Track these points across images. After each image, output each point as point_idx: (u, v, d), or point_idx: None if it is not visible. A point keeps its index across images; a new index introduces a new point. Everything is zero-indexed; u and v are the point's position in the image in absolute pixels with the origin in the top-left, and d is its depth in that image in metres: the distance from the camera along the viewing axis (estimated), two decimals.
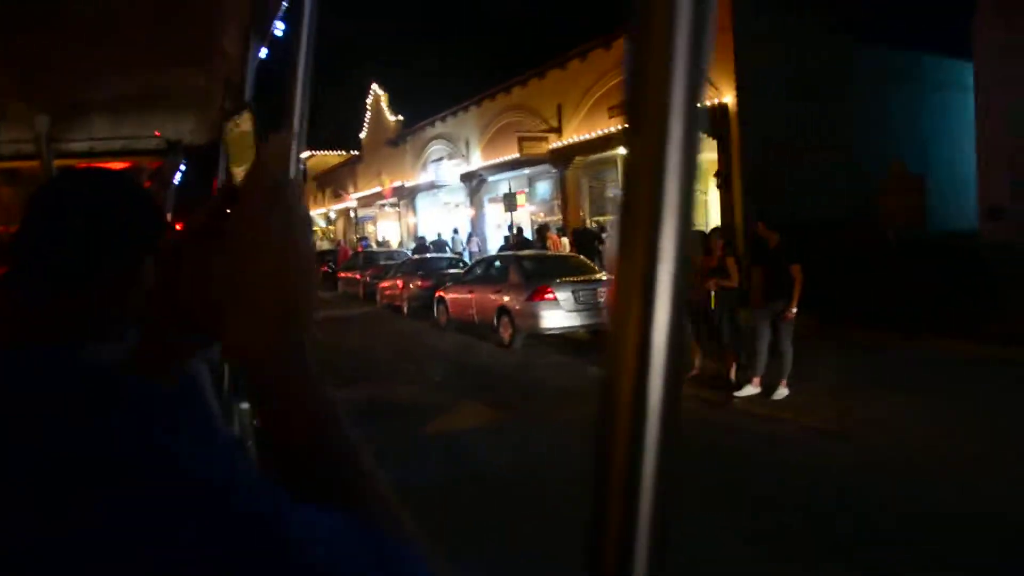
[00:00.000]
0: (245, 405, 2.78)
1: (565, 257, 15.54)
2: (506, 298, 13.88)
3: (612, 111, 22.04)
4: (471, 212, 31.18)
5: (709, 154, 19.09)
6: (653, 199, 0.54)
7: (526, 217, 30.61)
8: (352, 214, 46.75)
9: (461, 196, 34.20)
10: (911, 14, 20.29)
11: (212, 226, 0.71)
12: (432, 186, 33.12)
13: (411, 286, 19.42)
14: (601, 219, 24.89)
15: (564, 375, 11.64)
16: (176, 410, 0.63)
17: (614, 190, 24.31)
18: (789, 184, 17.61)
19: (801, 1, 18.69)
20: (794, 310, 9.05)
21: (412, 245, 33.27)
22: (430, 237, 32.01)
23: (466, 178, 30.66)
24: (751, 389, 9.42)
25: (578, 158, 23.92)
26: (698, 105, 0.54)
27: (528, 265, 14.42)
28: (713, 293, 9.82)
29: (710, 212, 21.74)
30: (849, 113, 19.18)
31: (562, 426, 8.60)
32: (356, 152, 48.07)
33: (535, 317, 13.12)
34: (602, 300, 13.46)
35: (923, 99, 21.55)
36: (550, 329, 13.19)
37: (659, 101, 0.54)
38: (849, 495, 6.30)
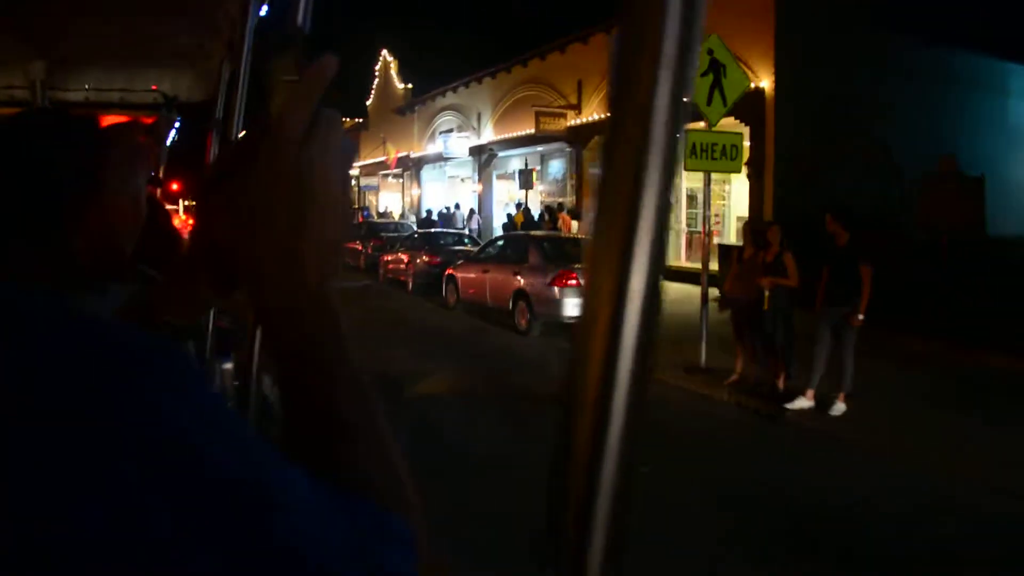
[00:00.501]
0: (228, 365, 2.70)
1: (581, 240, 14.55)
2: (524, 281, 12.89)
3: None
4: (478, 188, 30.13)
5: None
6: (631, 196, 0.54)
7: (536, 197, 29.62)
8: (354, 183, 45.58)
9: (468, 170, 33.15)
10: (953, 12, 19.29)
11: (244, 159, 0.63)
12: (439, 158, 32.02)
13: (418, 261, 18.40)
14: None
15: None
16: (166, 366, 0.53)
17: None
18: (823, 177, 16.62)
19: None
20: (861, 316, 8.08)
21: (413, 218, 32.20)
22: (436, 210, 30.98)
23: (475, 152, 29.59)
24: (804, 402, 8.48)
25: (597, 137, 22.84)
26: (684, 100, 0.54)
27: (549, 247, 13.43)
28: (767, 293, 8.84)
29: (732, 201, 20.81)
30: (887, 108, 18.15)
31: None
32: (360, 120, 46.86)
33: (556, 303, 12.16)
34: None
35: (959, 99, 20.51)
36: (573, 317, 12.21)
37: (643, 100, 0.53)
38: (924, 536, 5.38)
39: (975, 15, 19.55)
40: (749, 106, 17.18)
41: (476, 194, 30.40)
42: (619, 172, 0.56)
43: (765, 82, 16.98)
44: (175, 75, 3.78)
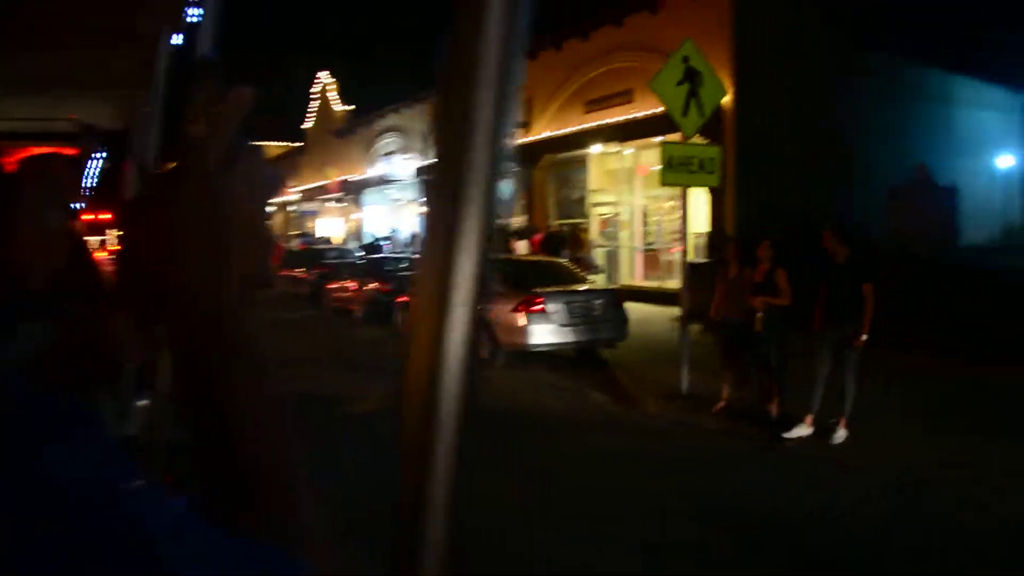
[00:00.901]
0: (145, 402, 2.62)
1: (550, 263, 13.84)
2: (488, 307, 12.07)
3: (589, 106, 20.47)
4: (425, 210, 29.21)
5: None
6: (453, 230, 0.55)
7: None
8: (292, 208, 44.32)
9: (412, 193, 32.29)
10: (911, 25, 19.26)
11: (163, 189, 0.64)
12: (382, 181, 31.10)
13: (367, 289, 17.46)
14: (565, 222, 23.25)
15: (562, 401, 9.93)
16: (64, 420, 0.53)
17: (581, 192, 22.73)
18: (788, 190, 16.23)
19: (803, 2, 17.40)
20: (864, 336, 7.47)
21: (356, 243, 31.19)
22: (376, 235, 30.05)
23: (421, 173, 28.75)
24: (804, 428, 7.83)
25: (547, 156, 22.27)
26: (502, 157, 0.57)
27: (511, 270, 12.65)
28: (760, 313, 8.19)
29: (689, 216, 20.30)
30: (851, 120, 17.86)
31: (579, 463, 6.91)
32: (298, 144, 45.75)
33: (522, 331, 11.37)
34: (598, 313, 11.79)
35: (911, 110, 20.40)
36: (539, 346, 11.45)
37: (463, 156, 0.56)
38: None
39: (926, 30, 19.63)
40: (708, 119, 16.74)
41: (424, 217, 29.51)
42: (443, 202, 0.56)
43: (725, 96, 16.50)
44: (92, 103, 3.74)
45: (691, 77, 9.61)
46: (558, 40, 21.51)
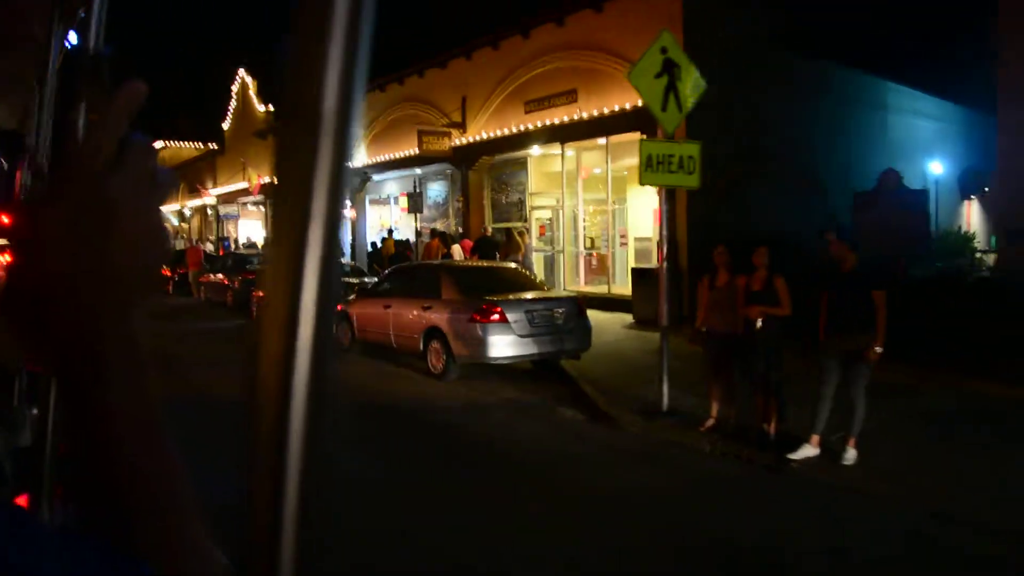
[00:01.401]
0: (35, 411, 2.16)
1: (505, 268, 12.99)
2: (438, 316, 11.16)
3: (530, 106, 19.71)
4: (351, 214, 28.05)
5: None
6: (297, 249, 0.54)
7: (407, 222, 27.87)
8: (210, 212, 42.38)
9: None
10: (853, 33, 19.25)
11: (52, 190, 0.63)
12: None
13: None
14: (505, 226, 22.43)
15: (530, 420, 9.07)
16: None
17: (519, 195, 21.94)
18: (742, 195, 15.77)
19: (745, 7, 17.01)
20: (879, 348, 6.84)
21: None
22: None
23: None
24: (810, 449, 7.17)
25: (484, 158, 21.43)
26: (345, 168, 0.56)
27: (465, 277, 11.75)
28: (758, 324, 7.50)
29: (629, 221, 19.72)
30: (795, 126, 17.56)
31: (561, 497, 6.08)
32: (215, 146, 43.87)
33: (480, 343, 10.49)
34: (560, 322, 10.99)
35: (846, 114, 20.33)
36: (499, 358, 10.58)
37: (306, 169, 0.55)
38: None
39: (864, 39, 19.68)
40: (654, 121, 16.16)
41: (349, 220, 28.31)
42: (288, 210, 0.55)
43: None
44: None
45: (669, 69, 8.90)
46: (496, 39, 20.73)
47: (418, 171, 25.21)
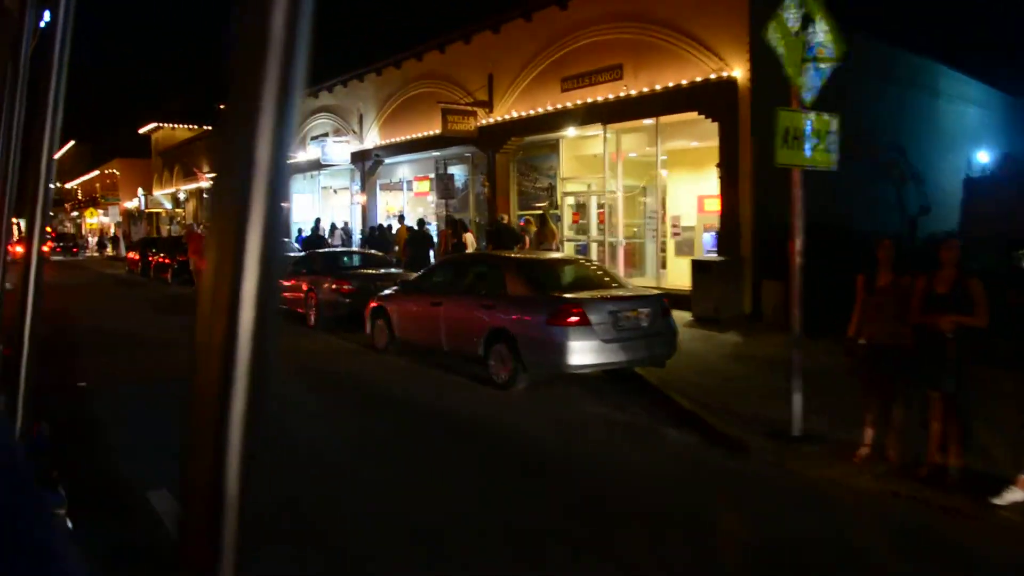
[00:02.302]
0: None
1: (575, 261, 11.51)
2: (504, 317, 9.68)
3: (567, 83, 18.18)
4: (362, 199, 26.46)
5: (707, 142, 15.59)
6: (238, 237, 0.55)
7: (414, 208, 26.36)
8: (206, 196, 40.61)
9: (344, 180, 29.44)
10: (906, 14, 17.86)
11: None
12: (314, 167, 28.06)
13: (324, 289, 14.74)
14: (533, 213, 20.92)
15: (632, 444, 7.61)
16: None
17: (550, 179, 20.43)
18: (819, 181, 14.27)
19: None
20: None
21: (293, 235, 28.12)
22: (308, 225, 27.09)
23: (358, 158, 25.95)
24: (1018, 493, 5.75)
25: (513, 139, 19.88)
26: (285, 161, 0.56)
27: (534, 271, 10.25)
28: (950, 336, 6.05)
29: (667, 207, 18.25)
30: (869, 109, 16.11)
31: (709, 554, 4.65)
32: (208, 127, 42.13)
33: (558, 349, 9.01)
34: (646, 324, 9.53)
35: (907, 99, 18.96)
36: (580, 367, 9.12)
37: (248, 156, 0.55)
38: None
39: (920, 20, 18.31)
40: (716, 99, 14.74)
41: (359, 206, 26.73)
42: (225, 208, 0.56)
43: (738, 71, 14.48)
44: None
45: (806, 26, 7.41)
46: (528, 10, 19.16)
47: (436, 154, 23.67)
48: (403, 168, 26.58)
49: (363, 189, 26.38)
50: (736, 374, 10.22)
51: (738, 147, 14.51)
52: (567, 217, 19.91)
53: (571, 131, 18.60)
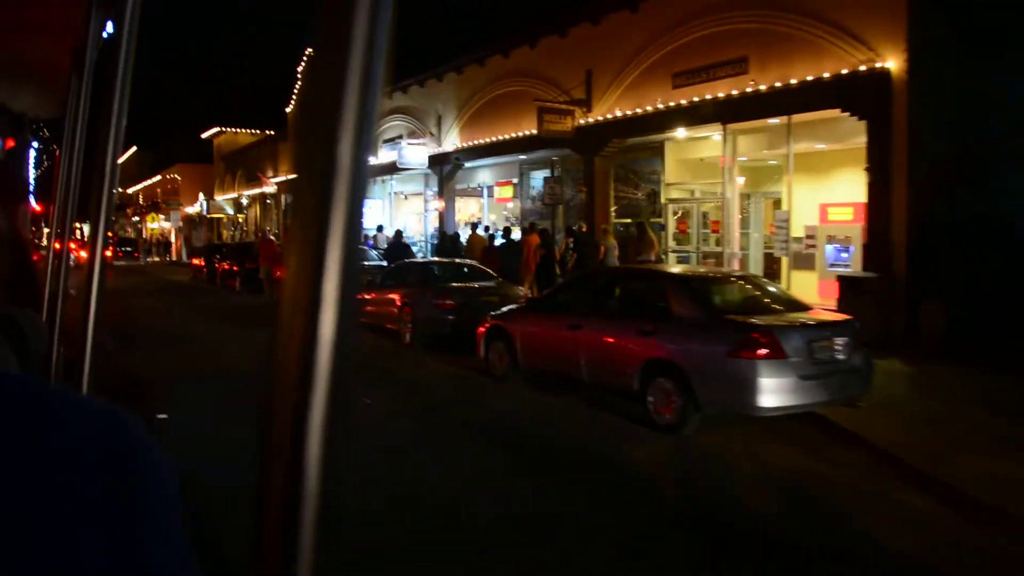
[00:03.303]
0: None
1: (741, 276, 9.91)
2: (670, 346, 8.08)
3: (679, 79, 16.55)
4: (439, 205, 25.07)
5: (837, 143, 13.89)
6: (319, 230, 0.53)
7: (489, 216, 24.93)
8: (270, 201, 39.70)
9: (416, 186, 28.11)
10: None
11: None
12: (387, 171, 26.71)
13: (422, 304, 13.27)
14: (625, 222, 19.32)
15: (877, 520, 5.94)
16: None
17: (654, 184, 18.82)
18: (982, 181, 12.46)
19: None
20: None
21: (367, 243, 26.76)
22: (375, 233, 25.74)
23: (436, 162, 24.55)
24: None
25: (614, 141, 18.29)
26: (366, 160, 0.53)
27: (706, 289, 8.63)
28: None
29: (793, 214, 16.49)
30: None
31: None
32: (271, 132, 41.28)
33: (744, 386, 7.39)
34: (843, 356, 7.85)
35: None
36: (773, 409, 7.47)
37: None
38: None
39: None
40: (865, 93, 13.00)
41: (437, 212, 25.34)
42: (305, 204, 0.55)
43: (891, 62, 12.73)
44: (21, 91, 3.58)
45: None
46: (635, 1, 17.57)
47: (522, 157, 22.19)
48: (483, 173, 25.19)
49: (440, 194, 24.98)
50: (935, 414, 8.49)
51: (891, 147, 12.74)
52: (671, 226, 18.27)
53: (680, 132, 16.98)
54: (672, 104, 16.38)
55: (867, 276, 12.76)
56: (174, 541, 0.58)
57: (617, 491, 6.43)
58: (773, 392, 7.33)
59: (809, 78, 13.77)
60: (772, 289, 9.28)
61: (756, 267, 16.99)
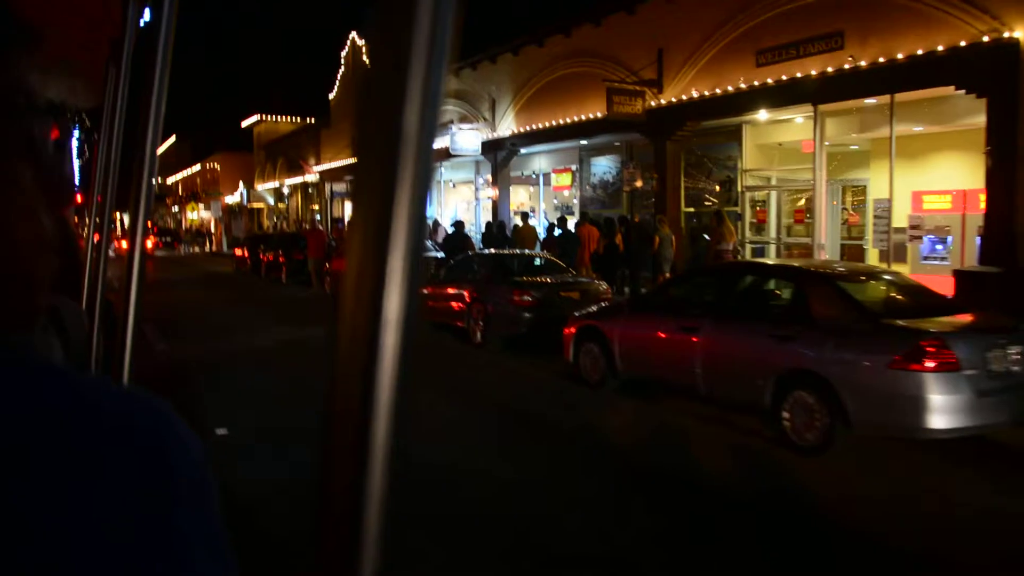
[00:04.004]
0: None
1: (886, 272, 8.74)
2: (812, 354, 6.96)
3: (764, 56, 15.33)
4: (493, 193, 24.02)
5: (937, 126, 12.65)
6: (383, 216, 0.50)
7: (540, 203, 23.89)
8: (311, 190, 38.90)
9: (465, 173, 27.11)
10: None
11: None
12: (440, 157, 25.63)
13: (497, 300, 12.22)
14: (701, 210, 18.17)
15: None
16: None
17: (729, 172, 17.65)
18: None
19: None
20: None
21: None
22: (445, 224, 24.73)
23: (490, 148, 23.47)
24: None
25: (689, 124, 17.10)
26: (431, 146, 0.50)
27: (853, 287, 7.46)
28: None
29: (870, 198, 15.23)
30: None
31: None
32: (311, 120, 40.49)
33: (912, 404, 6.26)
34: (1019, 368, 6.69)
35: None
36: (947, 431, 6.33)
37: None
38: None
39: None
40: (987, 67, 11.73)
41: (490, 201, 24.30)
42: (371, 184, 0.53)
43: (1020, 31, 11.44)
44: (56, 81, 2.73)
45: None
46: None
47: (584, 142, 21.08)
48: (539, 159, 24.12)
49: (495, 182, 23.92)
50: None
51: (1017, 128, 11.47)
52: (747, 215, 17.08)
53: (762, 114, 15.79)
54: (756, 83, 15.16)
55: (988, 271, 11.50)
56: (207, 527, 0.59)
57: (773, 529, 5.34)
58: (946, 411, 6.20)
59: (919, 52, 12.50)
60: (916, 286, 8.09)
61: (845, 258, 15.77)
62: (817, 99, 14.26)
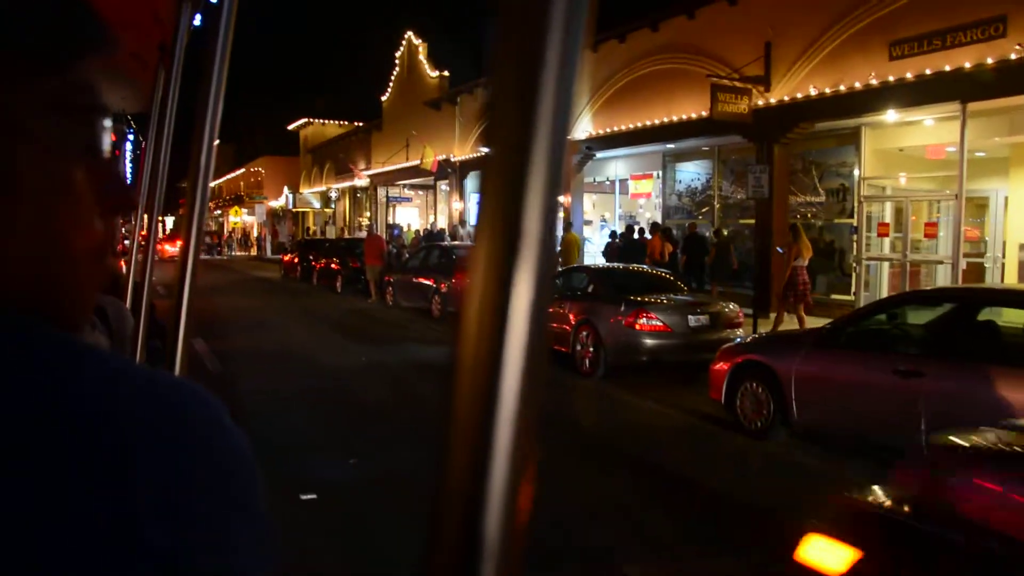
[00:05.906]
0: None
1: None
2: None
3: (899, 48, 13.50)
4: (566, 200, 22.28)
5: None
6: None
7: (616, 213, 22.19)
8: (360, 195, 37.49)
9: None
10: None
11: None
12: None
13: (612, 322, 10.46)
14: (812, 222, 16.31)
15: None
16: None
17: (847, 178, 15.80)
18: None
19: None
20: None
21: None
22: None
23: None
24: None
25: (802, 125, 15.29)
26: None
27: None
28: None
29: (999, 220, 13.31)
30: None
31: None
32: (360, 124, 39.13)
33: None
34: None
35: None
36: None
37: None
38: None
39: None
40: None
41: (562, 208, 22.60)
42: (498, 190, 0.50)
43: None
44: (109, 85, 2.77)
45: None
46: None
47: (670, 146, 19.32)
48: (616, 165, 22.42)
49: (567, 189, 22.20)
50: None
51: None
52: (864, 227, 15.18)
53: (891, 114, 13.94)
54: (892, 79, 13.32)
55: None
56: (251, 518, 0.58)
57: None
58: None
59: None
60: None
61: (945, 279, 13.69)
62: (968, 96, 12.40)
